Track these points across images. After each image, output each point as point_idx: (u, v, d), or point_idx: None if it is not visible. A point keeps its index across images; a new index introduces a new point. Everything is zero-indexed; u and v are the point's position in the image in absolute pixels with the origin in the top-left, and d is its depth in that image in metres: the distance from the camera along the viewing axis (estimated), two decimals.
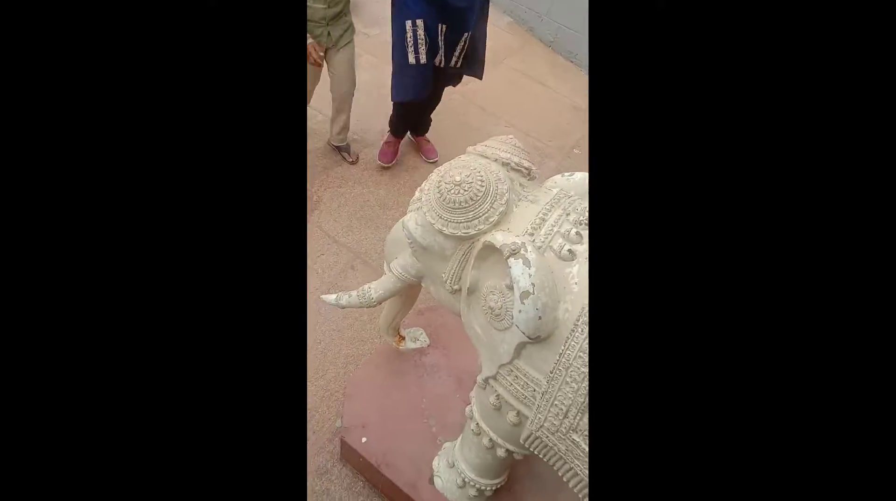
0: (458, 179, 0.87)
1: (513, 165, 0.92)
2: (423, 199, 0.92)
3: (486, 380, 0.95)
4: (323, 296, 1.17)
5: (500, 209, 0.87)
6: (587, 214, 0.88)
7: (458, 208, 0.87)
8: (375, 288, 1.12)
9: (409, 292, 1.19)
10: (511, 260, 0.78)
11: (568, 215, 0.87)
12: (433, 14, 1.78)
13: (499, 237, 0.82)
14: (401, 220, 1.09)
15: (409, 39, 1.81)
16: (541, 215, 0.87)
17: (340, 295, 1.16)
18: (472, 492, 1.20)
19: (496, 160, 0.92)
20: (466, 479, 1.19)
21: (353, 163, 2.30)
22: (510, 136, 0.98)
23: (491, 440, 1.03)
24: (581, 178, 0.95)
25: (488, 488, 1.18)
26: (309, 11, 1.82)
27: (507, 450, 1.01)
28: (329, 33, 1.92)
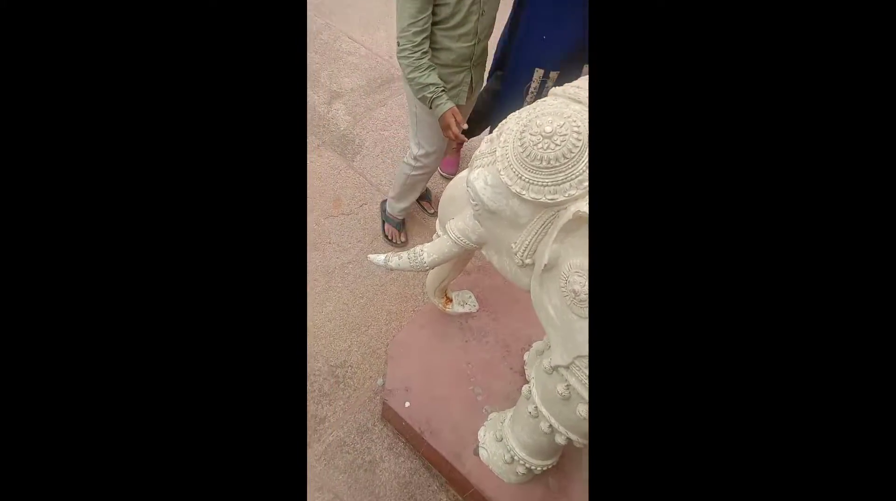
0: (548, 129, 0.67)
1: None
2: (498, 153, 0.74)
3: (554, 368, 0.84)
4: (370, 256, 1.06)
5: None
6: None
7: (546, 167, 0.69)
8: (429, 252, 0.99)
9: (462, 255, 1.07)
10: None
11: None
12: (557, 63, 1.46)
13: (583, 207, 0.67)
14: (461, 174, 0.94)
15: (532, 87, 1.49)
16: None
17: (390, 256, 1.04)
18: (521, 470, 1.14)
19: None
20: (516, 456, 1.12)
21: (433, 213, 1.88)
22: None
23: (551, 426, 0.93)
24: None
25: (539, 467, 1.12)
26: (441, 56, 1.27)
27: (570, 438, 0.92)
28: (472, 78, 1.38)
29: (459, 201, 0.92)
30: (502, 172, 0.73)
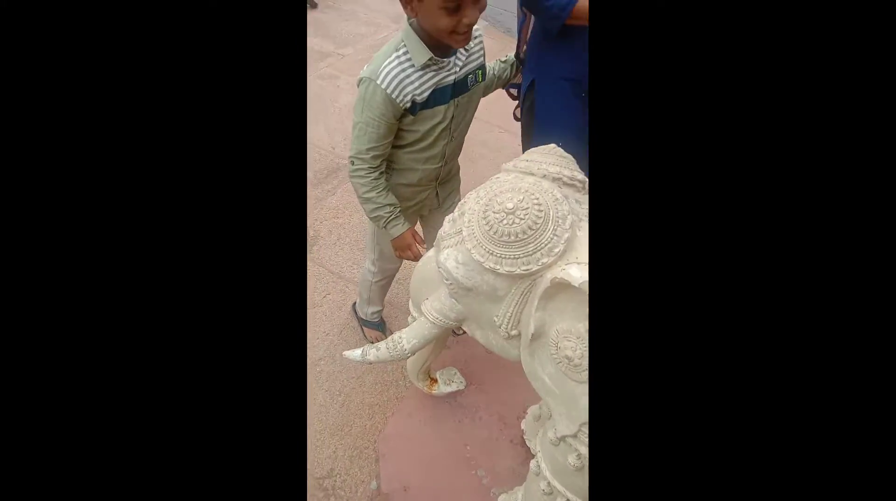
0: (510, 205, 0.70)
1: (565, 179, 0.75)
2: (464, 232, 0.75)
3: (561, 438, 0.79)
4: (346, 353, 1.00)
5: (566, 236, 0.70)
6: None
7: (515, 242, 0.70)
8: (408, 337, 0.95)
9: (442, 333, 1.03)
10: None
11: None
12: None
13: (575, 273, 0.66)
14: (429, 254, 0.92)
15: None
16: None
17: (367, 349, 0.98)
18: None
19: (545, 176, 0.75)
20: None
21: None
22: (551, 145, 0.82)
23: (568, 500, 0.86)
24: None
25: None
26: (405, 176, 1.19)
27: None
28: (437, 193, 1.30)
29: (432, 281, 0.90)
30: (473, 251, 0.74)
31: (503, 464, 1.25)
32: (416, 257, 1.18)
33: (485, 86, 1.19)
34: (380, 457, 1.26)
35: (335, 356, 1.64)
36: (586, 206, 0.76)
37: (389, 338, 0.96)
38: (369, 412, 1.52)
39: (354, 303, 1.72)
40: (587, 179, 0.78)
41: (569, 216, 0.71)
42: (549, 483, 0.90)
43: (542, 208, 0.70)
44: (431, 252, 0.90)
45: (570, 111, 1.14)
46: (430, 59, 0.97)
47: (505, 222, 0.70)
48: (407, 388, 1.53)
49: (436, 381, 1.26)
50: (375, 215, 1.15)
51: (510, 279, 0.74)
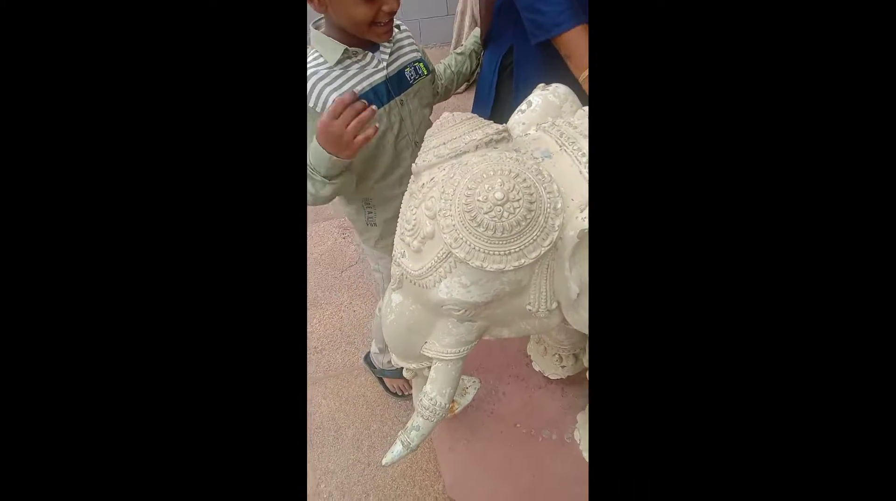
0: (499, 196, 0.59)
1: (494, 137, 0.68)
2: (453, 257, 0.64)
3: None
4: (385, 461, 0.86)
5: (559, 191, 0.63)
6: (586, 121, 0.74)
7: (525, 230, 0.61)
8: (440, 390, 0.82)
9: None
10: None
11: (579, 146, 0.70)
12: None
13: None
14: (392, 303, 0.79)
15: None
16: (581, 159, 0.67)
17: (403, 439, 0.85)
18: None
19: (484, 145, 0.67)
20: None
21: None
22: (451, 113, 0.73)
23: None
24: (537, 100, 0.78)
25: None
26: (389, 208, 1.06)
27: None
28: None
29: (421, 324, 0.78)
30: (479, 263, 0.63)
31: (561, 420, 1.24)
32: (355, 143, 0.82)
33: (444, 86, 1.08)
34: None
35: (357, 468, 1.48)
36: (526, 150, 0.71)
37: (420, 410, 0.85)
38: (410, 484, 1.40)
39: (367, 355, 1.53)
40: (503, 125, 0.72)
41: (551, 176, 0.65)
42: None
43: (525, 180, 0.62)
44: (395, 298, 0.79)
45: (553, 75, 1.05)
46: (344, 53, 0.86)
47: (504, 215, 0.60)
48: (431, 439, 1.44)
49: (455, 401, 1.20)
50: (311, 185, 0.86)
51: (530, 264, 0.65)
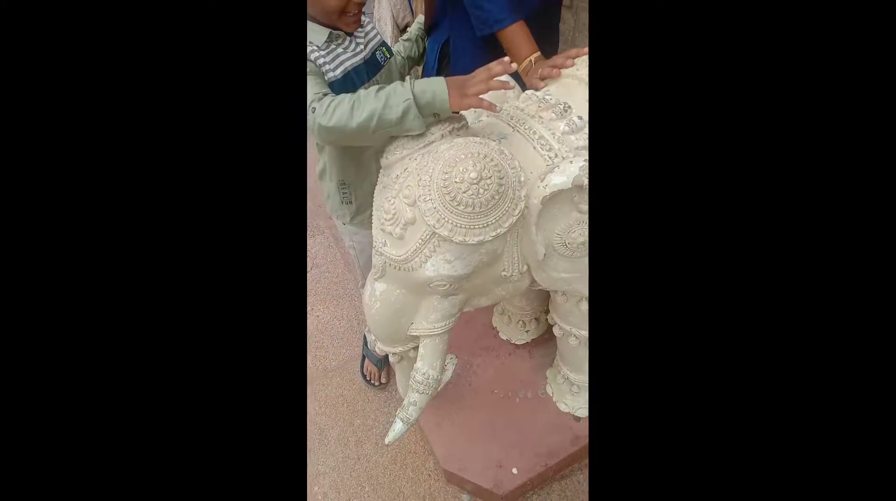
0: (473, 176, 0.67)
1: (456, 126, 0.77)
2: (436, 237, 0.71)
3: (582, 298, 0.90)
4: (388, 439, 0.93)
5: (520, 166, 0.72)
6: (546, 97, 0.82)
7: (499, 201, 0.70)
8: (430, 364, 0.89)
9: None
10: (584, 180, 0.68)
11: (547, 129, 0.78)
12: None
13: (558, 179, 0.71)
14: (377, 292, 0.85)
15: None
16: (542, 140, 0.75)
17: (402, 415, 0.92)
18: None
19: (448, 134, 0.75)
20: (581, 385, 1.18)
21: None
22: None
23: None
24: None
25: None
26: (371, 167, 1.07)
27: None
28: None
29: (408, 306, 0.85)
30: (462, 238, 0.70)
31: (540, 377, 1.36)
32: (475, 98, 0.76)
33: (399, 68, 1.15)
34: (460, 472, 1.25)
35: (357, 462, 1.51)
36: (488, 134, 0.79)
37: (413, 382, 0.92)
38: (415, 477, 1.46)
39: (366, 334, 1.60)
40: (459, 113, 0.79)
41: (506, 146, 0.73)
42: (575, 336, 1.03)
43: (492, 155, 0.70)
44: (378, 286, 0.84)
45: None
46: (329, 36, 0.92)
47: (480, 192, 0.68)
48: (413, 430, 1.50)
49: None
50: (395, 114, 0.76)
51: (504, 234, 0.74)
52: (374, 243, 0.81)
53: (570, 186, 0.73)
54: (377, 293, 0.86)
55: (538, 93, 0.83)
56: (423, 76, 1.27)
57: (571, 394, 1.24)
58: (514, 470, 1.20)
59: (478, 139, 0.74)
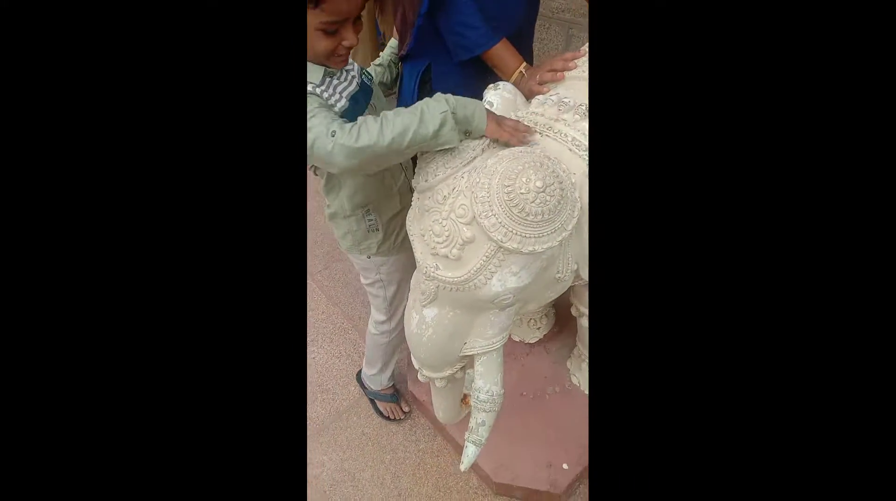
0: (539, 185, 0.68)
1: (489, 141, 0.77)
2: (501, 251, 0.70)
3: None
4: (463, 465, 0.91)
5: (566, 169, 0.73)
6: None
7: (563, 207, 0.70)
8: (492, 379, 0.87)
9: None
10: None
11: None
12: None
13: None
14: (427, 318, 0.83)
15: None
16: (574, 142, 0.77)
17: (472, 438, 0.90)
18: None
19: (481, 150, 0.75)
20: None
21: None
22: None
23: None
24: (496, 100, 0.86)
25: None
26: (389, 205, 1.07)
27: None
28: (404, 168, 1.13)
29: (463, 327, 0.83)
30: (532, 247, 0.70)
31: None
32: (519, 135, 0.79)
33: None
34: (500, 469, 1.25)
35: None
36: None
37: (475, 403, 0.90)
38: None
39: (358, 374, 1.54)
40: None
41: (562, 164, 0.74)
42: None
43: (553, 163, 0.71)
44: (429, 313, 0.82)
45: (470, 90, 1.06)
46: (325, 72, 0.89)
47: (544, 201, 0.68)
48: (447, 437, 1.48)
49: (467, 394, 1.27)
50: (433, 127, 0.74)
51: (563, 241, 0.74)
52: (423, 269, 0.78)
53: None
54: (428, 320, 0.84)
55: (552, 96, 0.86)
56: (398, 102, 1.26)
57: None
58: (565, 466, 1.22)
59: (524, 149, 0.74)
